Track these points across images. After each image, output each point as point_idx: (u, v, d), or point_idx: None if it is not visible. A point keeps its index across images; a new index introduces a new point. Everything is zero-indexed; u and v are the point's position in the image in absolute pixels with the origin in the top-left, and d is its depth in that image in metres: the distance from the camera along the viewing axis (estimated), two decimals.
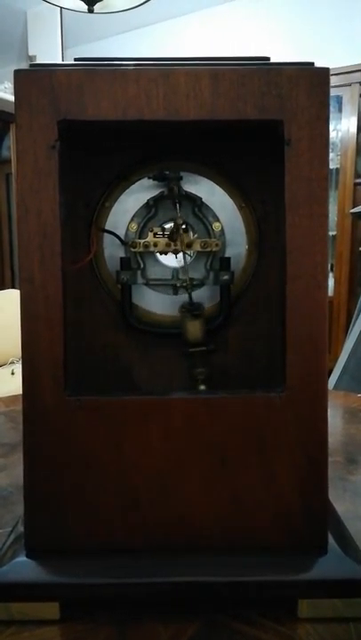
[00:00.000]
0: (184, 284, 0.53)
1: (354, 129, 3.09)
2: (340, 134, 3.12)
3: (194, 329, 0.52)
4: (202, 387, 0.53)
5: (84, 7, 2.00)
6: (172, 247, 0.52)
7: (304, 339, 0.44)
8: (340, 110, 3.10)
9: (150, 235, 0.53)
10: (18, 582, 0.44)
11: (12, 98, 2.80)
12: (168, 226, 0.53)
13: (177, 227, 0.51)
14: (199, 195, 0.53)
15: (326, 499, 0.46)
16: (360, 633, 0.42)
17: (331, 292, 3.18)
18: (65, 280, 0.45)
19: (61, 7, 2.12)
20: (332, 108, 2.87)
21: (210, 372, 0.53)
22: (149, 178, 0.52)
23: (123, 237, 0.53)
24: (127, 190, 0.53)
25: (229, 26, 3.90)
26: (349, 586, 0.44)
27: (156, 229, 0.53)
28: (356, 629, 0.42)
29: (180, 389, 0.55)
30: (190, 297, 0.53)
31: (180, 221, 0.52)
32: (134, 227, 0.54)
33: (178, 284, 0.53)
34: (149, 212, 0.53)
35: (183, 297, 0.54)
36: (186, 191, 0.53)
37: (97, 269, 0.54)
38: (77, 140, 0.48)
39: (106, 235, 0.54)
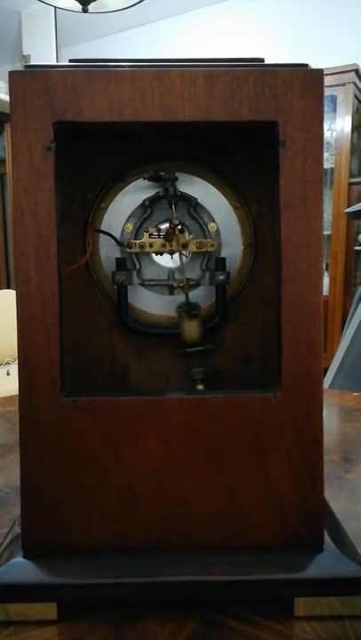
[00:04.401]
0: (181, 285, 0.53)
1: (348, 128, 3.10)
2: (334, 134, 3.13)
3: (191, 329, 0.52)
4: (200, 386, 0.53)
5: (79, 7, 2.00)
6: (168, 248, 0.53)
7: (299, 339, 0.45)
8: (334, 110, 3.10)
9: (146, 235, 0.53)
10: (15, 583, 0.44)
11: (6, 97, 2.80)
12: (164, 226, 0.53)
13: (173, 227, 0.52)
14: (195, 195, 0.53)
15: (322, 497, 0.47)
16: (357, 631, 0.42)
17: (326, 291, 3.19)
18: (61, 281, 0.45)
19: (56, 7, 2.11)
20: (326, 108, 2.89)
21: (207, 371, 0.53)
22: (145, 179, 0.53)
23: (118, 238, 0.54)
24: (123, 191, 0.53)
25: (224, 26, 3.90)
26: (346, 584, 0.44)
27: (152, 230, 0.53)
28: (352, 627, 0.43)
29: (176, 390, 0.55)
30: (187, 297, 0.53)
31: (176, 222, 0.52)
32: (130, 227, 0.54)
33: (175, 285, 0.54)
34: (145, 212, 0.53)
35: (179, 297, 0.54)
36: (181, 192, 0.53)
37: (93, 270, 0.54)
38: (73, 141, 0.48)
39: (102, 235, 0.54)
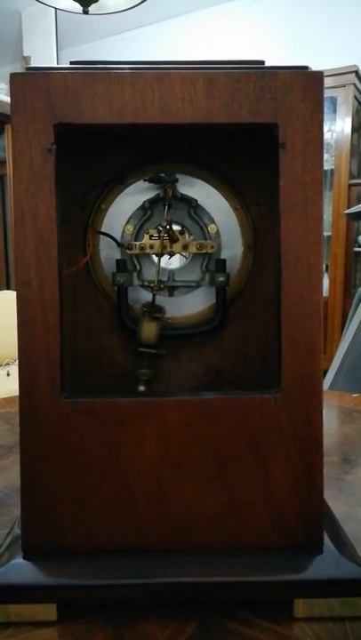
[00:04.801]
0: (152, 285, 0.53)
1: (348, 130, 3.10)
2: (334, 135, 3.13)
3: (149, 330, 0.52)
4: (142, 387, 0.52)
5: (79, 8, 2.00)
6: (168, 249, 0.53)
7: (299, 340, 0.45)
8: (334, 111, 3.11)
9: (146, 237, 0.53)
10: (15, 584, 0.44)
11: (6, 99, 2.80)
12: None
13: (165, 228, 0.52)
14: (195, 197, 0.53)
15: (322, 499, 0.47)
16: (356, 632, 0.42)
17: (326, 292, 3.19)
18: (61, 282, 0.45)
19: (56, 8, 2.12)
20: (326, 109, 2.89)
21: (153, 374, 0.53)
22: (145, 180, 0.53)
23: (119, 239, 0.54)
24: (123, 193, 0.54)
25: (224, 27, 3.91)
26: (345, 585, 0.44)
27: (152, 231, 0.53)
28: (352, 628, 0.43)
29: (176, 391, 0.55)
30: (154, 299, 0.53)
31: (164, 223, 0.52)
32: (130, 229, 0.54)
33: (146, 284, 0.53)
34: (145, 214, 0.54)
35: (180, 298, 0.54)
36: (181, 193, 0.53)
37: (93, 271, 0.54)
38: (73, 142, 0.48)
39: (102, 237, 0.54)
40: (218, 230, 0.54)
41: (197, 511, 0.46)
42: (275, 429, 0.45)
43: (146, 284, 0.54)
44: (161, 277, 0.55)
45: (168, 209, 0.52)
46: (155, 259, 0.54)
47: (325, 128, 3.08)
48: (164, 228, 0.52)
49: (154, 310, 0.52)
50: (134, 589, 0.45)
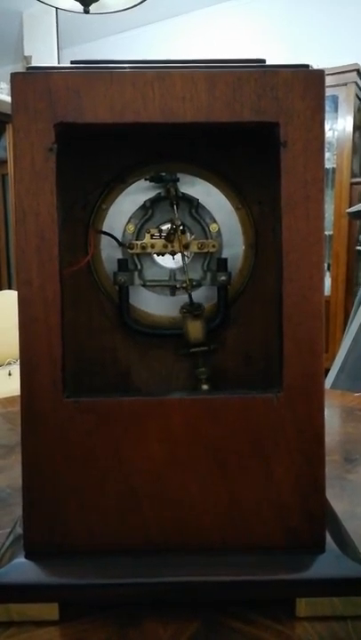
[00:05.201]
0: (184, 285, 0.53)
1: (350, 128, 3.10)
2: (336, 134, 3.13)
3: (195, 329, 0.52)
4: (205, 386, 0.53)
5: (80, 8, 2.00)
6: (170, 248, 0.53)
7: (301, 339, 0.45)
8: (336, 110, 3.10)
9: (147, 236, 0.53)
10: (17, 583, 0.44)
11: (7, 98, 2.80)
12: (165, 227, 0.53)
13: (175, 228, 0.52)
14: (196, 196, 0.53)
15: (324, 497, 0.47)
16: (359, 631, 0.42)
17: (328, 291, 3.19)
18: (63, 282, 0.45)
19: (57, 8, 2.12)
20: (328, 108, 2.87)
21: (212, 371, 0.53)
22: (146, 180, 0.53)
23: (120, 239, 0.54)
24: (124, 192, 0.54)
25: (225, 26, 3.90)
26: (347, 584, 0.44)
27: (153, 231, 0.53)
28: (354, 627, 0.43)
29: (178, 390, 0.55)
30: (190, 297, 0.53)
31: (178, 222, 0.52)
32: (131, 228, 0.54)
33: (177, 285, 0.54)
34: (146, 213, 0.53)
35: (181, 298, 0.54)
36: (183, 193, 0.53)
37: (94, 271, 0.54)
38: (74, 142, 0.48)
39: (103, 236, 0.54)
40: (219, 229, 0.54)
41: (200, 510, 0.46)
42: (277, 428, 0.45)
43: (148, 284, 0.54)
44: (163, 277, 0.55)
45: (177, 208, 0.52)
46: (156, 258, 0.54)
47: (327, 126, 3.05)
48: (173, 227, 0.52)
49: (193, 308, 0.52)
50: (136, 589, 0.45)
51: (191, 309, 0.52)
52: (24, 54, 4.27)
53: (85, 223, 0.53)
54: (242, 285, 0.54)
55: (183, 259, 0.53)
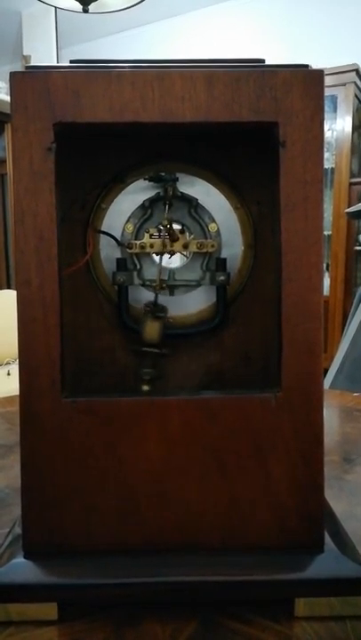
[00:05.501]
0: (154, 284, 0.53)
1: (349, 128, 3.10)
2: (335, 134, 3.13)
3: (152, 329, 0.52)
4: (145, 387, 0.52)
5: (79, 7, 2.00)
6: (168, 248, 0.53)
7: (300, 339, 0.45)
8: (335, 110, 3.11)
9: (146, 236, 0.53)
10: (16, 583, 0.44)
11: (6, 98, 2.80)
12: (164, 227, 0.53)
13: (167, 228, 0.52)
14: (195, 196, 0.53)
15: (322, 498, 0.47)
16: (357, 631, 0.42)
17: (326, 291, 3.19)
18: (61, 282, 0.45)
19: (56, 7, 2.12)
20: (327, 108, 2.88)
21: (157, 374, 0.53)
22: (145, 179, 0.53)
23: (119, 238, 0.54)
24: (123, 192, 0.53)
25: (224, 26, 3.90)
26: (346, 584, 0.44)
27: (152, 230, 0.53)
28: (352, 627, 0.43)
29: (176, 390, 0.55)
30: (156, 298, 0.53)
31: (166, 223, 0.52)
32: (130, 228, 0.54)
33: (148, 284, 0.53)
34: (145, 213, 0.53)
35: (181, 297, 0.54)
36: (182, 192, 0.53)
37: (93, 271, 0.54)
38: (73, 141, 0.48)
39: (102, 236, 0.54)
40: (218, 229, 0.54)
41: (198, 510, 0.46)
42: (275, 429, 0.45)
43: (147, 283, 0.54)
44: (162, 277, 0.55)
45: (169, 208, 0.52)
46: (155, 258, 0.54)
47: (326, 126, 3.06)
48: (165, 227, 0.52)
49: (156, 309, 0.52)
50: (135, 589, 0.45)
51: (154, 310, 0.52)
52: (23, 54, 4.27)
53: (84, 223, 0.53)
54: (241, 285, 0.54)
55: (160, 258, 0.53)
